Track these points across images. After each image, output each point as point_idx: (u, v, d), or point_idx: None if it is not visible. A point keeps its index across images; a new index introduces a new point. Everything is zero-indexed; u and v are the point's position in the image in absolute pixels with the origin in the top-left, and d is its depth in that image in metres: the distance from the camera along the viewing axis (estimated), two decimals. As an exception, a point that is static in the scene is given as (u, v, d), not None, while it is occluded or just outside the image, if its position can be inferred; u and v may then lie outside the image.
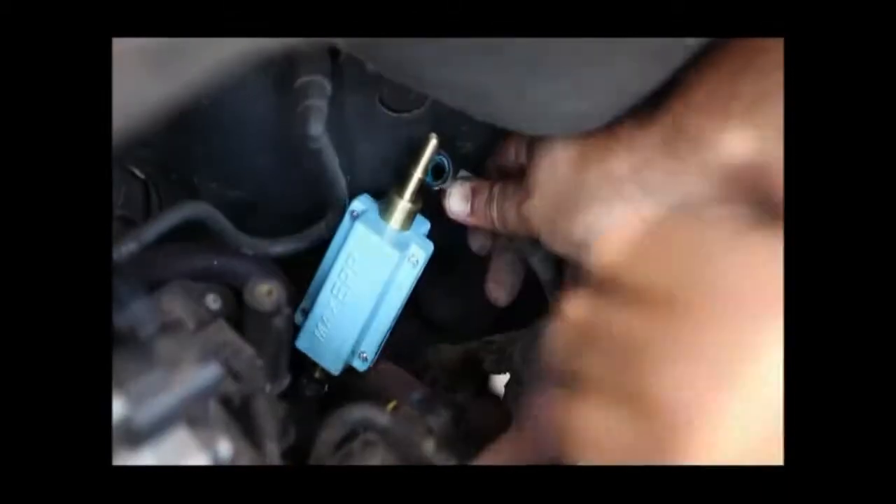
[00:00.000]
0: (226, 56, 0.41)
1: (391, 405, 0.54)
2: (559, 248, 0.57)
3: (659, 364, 0.37)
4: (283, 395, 0.56)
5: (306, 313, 0.63)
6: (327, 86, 0.60)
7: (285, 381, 0.56)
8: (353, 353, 0.61)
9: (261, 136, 0.63)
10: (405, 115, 0.64)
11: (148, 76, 0.38)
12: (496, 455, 0.52)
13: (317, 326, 0.60)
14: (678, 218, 0.46)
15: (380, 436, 0.52)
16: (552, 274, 0.64)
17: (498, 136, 0.63)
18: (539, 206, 0.58)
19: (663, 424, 0.37)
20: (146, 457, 0.41)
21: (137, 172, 0.66)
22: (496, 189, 0.62)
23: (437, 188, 0.64)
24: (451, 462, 0.50)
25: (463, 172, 0.65)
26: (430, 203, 0.64)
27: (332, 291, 0.62)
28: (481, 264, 0.69)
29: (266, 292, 0.53)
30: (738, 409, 0.35)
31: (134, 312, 0.45)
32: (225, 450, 0.43)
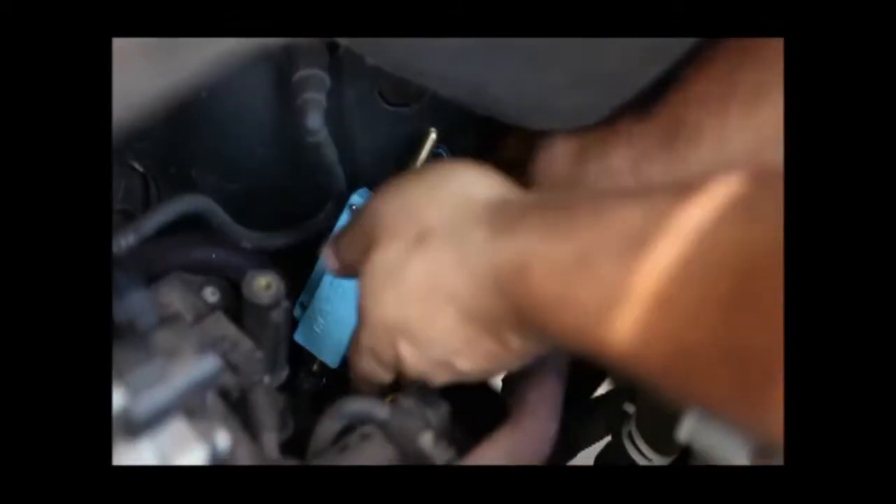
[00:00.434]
0: (224, 49, 0.41)
1: (389, 398, 0.54)
2: None
3: None
4: (282, 388, 0.56)
5: (305, 307, 0.64)
6: (326, 79, 0.60)
7: (283, 374, 0.56)
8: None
9: (260, 130, 0.63)
10: (404, 109, 0.64)
11: (147, 67, 0.38)
12: (494, 448, 0.52)
13: (315, 320, 0.60)
14: None
15: (378, 428, 0.52)
16: None
17: (497, 130, 0.63)
18: None
19: None
20: (144, 447, 0.41)
21: (137, 166, 0.66)
22: None
23: None
24: (449, 454, 0.50)
25: None
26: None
27: (330, 285, 0.62)
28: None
29: (264, 285, 0.53)
30: None
31: (132, 304, 0.45)
32: (223, 441, 0.43)
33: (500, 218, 0.46)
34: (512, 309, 0.45)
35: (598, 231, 0.41)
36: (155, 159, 0.66)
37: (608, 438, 0.68)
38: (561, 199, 0.45)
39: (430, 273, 0.47)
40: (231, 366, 0.51)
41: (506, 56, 0.52)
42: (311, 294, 0.63)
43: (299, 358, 0.65)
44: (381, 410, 0.52)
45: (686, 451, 0.63)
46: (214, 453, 0.43)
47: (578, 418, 0.67)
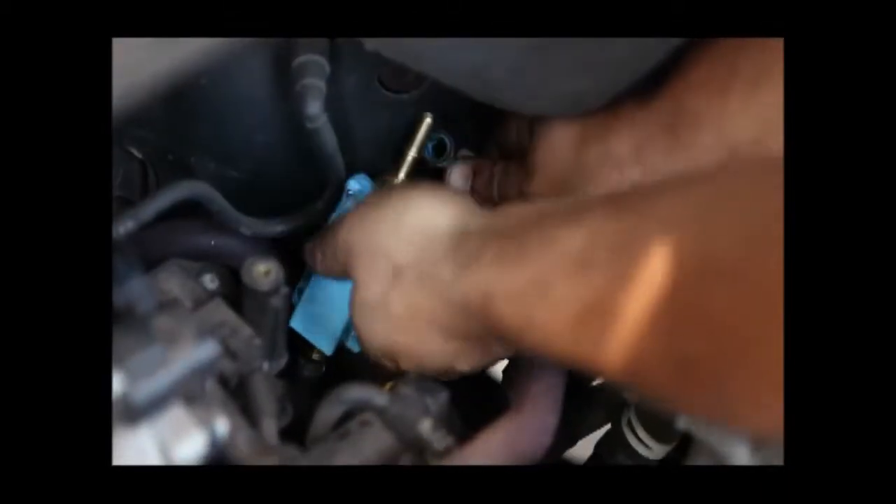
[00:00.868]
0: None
1: (388, 385, 0.54)
2: None
3: None
4: (281, 375, 0.56)
5: (303, 293, 0.64)
6: (326, 65, 0.59)
7: (283, 361, 0.56)
8: (346, 332, 0.61)
9: (259, 116, 0.63)
10: (404, 95, 0.64)
11: (145, 50, 0.38)
12: (494, 436, 0.52)
13: (311, 306, 0.60)
14: None
15: (377, 415, 0.51)
16: None
17: (498, 116, 0.63)
18: (540, 186, 0.58)
19: None
20: (143, 433, 0.41)
21: (135, 152, 0.66)
22: (497, 169, 0.62)
23: (438, 166, 0.63)
24: (448, 441, 0.50)
25: (464, 151, 0.65)
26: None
27: None
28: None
29: (264, 272, 0.53)
30: None
31: (132, 289, 0.45)
32: (222, 427, 0.43)
33: (461, 252, 0.49)
34: (487, 330, 0.49)
35: (546, 257, 0.44)
36: (153, 146, 0.65)
37: (608, 426, 0.68)
38: (513, 226, 0.48)
39: (409, 305, 0.52)
40: (230, 352, 0.51)
41: (506, 42, 0.52)
42: (309, 280, 0.63)
43: (300, 346, 0.65)
44: (380, 397, 0.52)
45: (685, 440, 0.63)
46: (213, 439, 0.43)
47: (578, 407, 0.67)
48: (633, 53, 0.54)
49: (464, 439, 0.52)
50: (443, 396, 0.53)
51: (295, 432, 0.52)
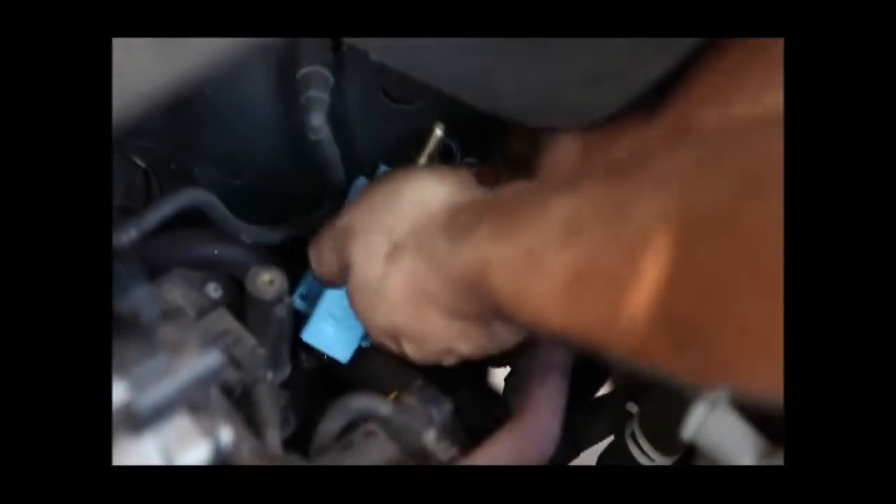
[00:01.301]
0: (228, 43, 0.40)
1: (392, 395, 0.54)
2: None
3: None
4: (284, 385, 0.56)
5: (304, 297, 0.63)
6: (329, 77, 0.59)
7: (286, 371, 0.56)
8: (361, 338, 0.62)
9: (262, 126, 0.63)
10: (408, 106, 0.64)
11: (150, 59, 0.38)
12: (498, 445, 0.52)
13: (326, 321, 0.60)
14: None
15: (381, 425, 0.51)
16: None
17: (502, 127, 0.63)
18: None
19: None
20: (147, 442, 0.41)
21: (139, 162, 0.66)
22: (501, 178, 0.62)
23: None
24: (452, 452, 0.50)
25: (468, 160, 0.65)
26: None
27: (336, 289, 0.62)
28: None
29: (268, 281, 0.53)
30: None
31: (136, 298, 0.45)
32: (226, 437, 0.43)
33: (457, 225, 0.49)
34: (485, 306, 0.48)
35: (539, 227, 0.43)
36: (157, 155, 0.66)
37: (611, 438, 0.67)
38: (509, 198, 0.48)
39: (407, 282, 0.51)
40: (234, 361, 0.51)
41: (511, 52, 0.52)
42: (311, 285, 0.63)
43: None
44: (384, 407, 0.52)
45: (689, 452, 0.62)
46: (218, 449, 0.43)
47: (581, 417, 0.67)
48: (639, 65, 0.54)
49: (467, 450, 0.52)
50: (447, 407, 0.53)
51: (298, 442, 0.52)
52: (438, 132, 0.58)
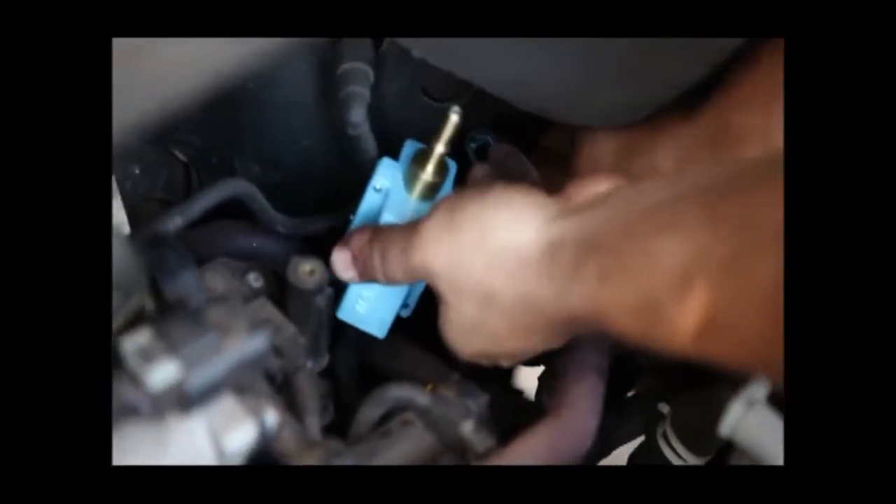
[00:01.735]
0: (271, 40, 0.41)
1: (429, 386, 0.54)
2: None
3: None
4: (322, 374, 0.57)
5: (332, 282, 0.62)
6: (370, 73, 0.60)
7: (325, 360, 0.57)
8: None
9: (302, 120, 0.64)
10: (446, 104, 0.64)
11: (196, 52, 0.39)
12: (535, 439, 0.52)
13: (357, 301, 0.60)
14: None
15: (419, 415, 0.52)
16: None
17: (540, 127, 0.64)
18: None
19: None
20: (196, 421, 0.42)
21: (180, 156, 0.67)
22: (539, 176, 0.63)
23: None
24: (490, 443, 0.51)
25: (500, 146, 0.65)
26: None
27: None
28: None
29: (308, 271, 0.53)
30: None
31: (184, 283, 0.46)
32: (272, 419, 0.43)
33: (558, 268, 0.47)
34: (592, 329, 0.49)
35: (650, 273, 0.42)
36: (197, 149, 0.66)
37: (641, 438, 0.68)
38: (606, 236, 0.46)
39: (511, 321, 0.49)
40: (275, 349, 0.52)
41: (550, 52, 0.52)
42: None
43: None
44: (422, 398, 0.52)
45: (721, 453, 0.62)
46: (263, 430, 0.43)
47: (613, 416, 0.67)
48: (677, 67, 0.54)
49: (502, 443, 0.52)
50: (483, 399, 0.53)
51: (337, 432, 0.52)
52: (455, 118, 0.56)
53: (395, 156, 0.60)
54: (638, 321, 0.43)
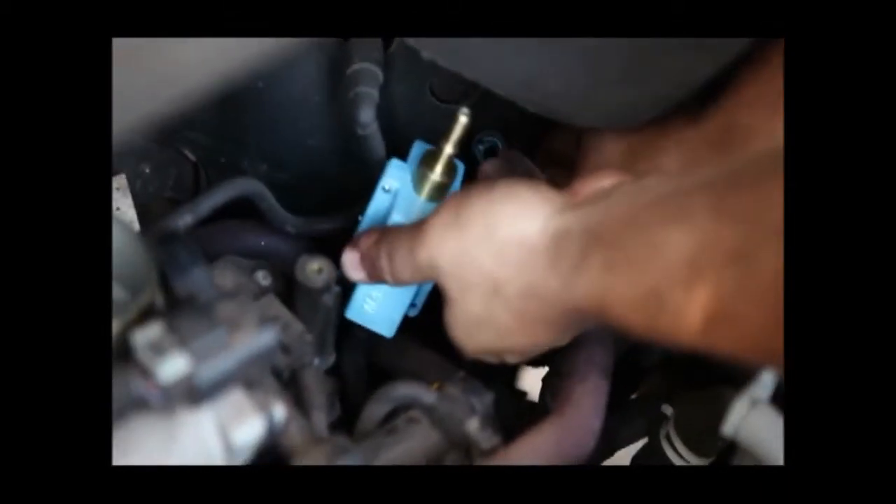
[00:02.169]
0: (280, 40, 0.41)
1: (435, 384, 0.55)
2: None
3: None
4: (329, 372, 0.57)
5: (340, 282, 0.63)
6: (379, 74, 0.61)
7: (331, 358, 0.57)
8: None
9: (311, 120, 0.65)
10: (454, 105, 0.65)
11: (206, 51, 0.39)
12: (540, 436, 0.52)
13: (366, 301, 0.60)
14: None
15: (424, 413, 0.52)
16: None
17: (547, 125, 0.64)
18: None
19: None
20: (205, 415, 0.42)
21: (189, 155, 0.68)
22: (545, 176, 0.63)
23: None
24: (495, 441, 0.51)
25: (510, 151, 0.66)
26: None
27: None
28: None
29: (316, 269, 0.54)
30: None
31: (194, 279, 0.46)
32: (280, 413, 0.44)
33: (564, 259, 0.47)
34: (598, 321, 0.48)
35: (656, 265, 0.43)
36: (207, 148, 0.67)
37: (645, 440, 0.68)
38: (612, 228, 0.46)
39: (516, 316, 0.49)
40: (283, 346, 0.52)
41: (558, 52, 0.53)
42: None
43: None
44: (428, 396, 0.53)
45: (723, 454, 0.63)
46: (271, 425, 0.44)
47: (616, 419, 0.67)
48: (683, 67, 0.55)
49: (507, 441, 0.52)
50: (488, 397, 0.54)
51: (343, 426, 0.53)
52: (464, 119, 0.57)
53: (402, 156, 0.61)
54: (643, 312, 0.43)
